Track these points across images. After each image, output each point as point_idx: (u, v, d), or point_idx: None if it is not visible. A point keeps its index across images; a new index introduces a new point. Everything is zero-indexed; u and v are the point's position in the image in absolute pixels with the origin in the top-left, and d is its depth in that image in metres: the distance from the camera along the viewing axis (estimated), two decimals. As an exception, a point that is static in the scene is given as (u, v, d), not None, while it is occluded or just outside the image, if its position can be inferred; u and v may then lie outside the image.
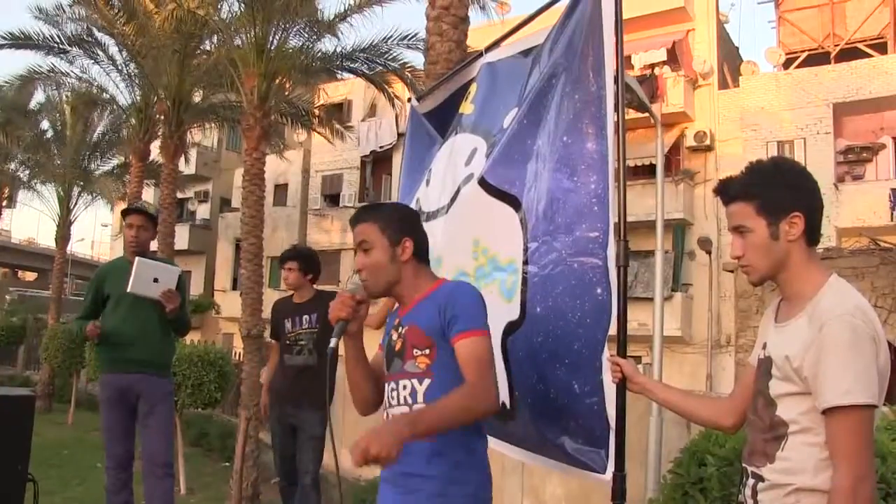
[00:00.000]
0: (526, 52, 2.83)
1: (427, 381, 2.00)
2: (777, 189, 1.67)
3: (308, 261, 4.54)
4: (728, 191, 1.74)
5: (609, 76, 2.28)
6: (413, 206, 3.21)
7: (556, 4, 2.65)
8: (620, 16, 2.28)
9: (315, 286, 4.60)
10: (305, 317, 4.42)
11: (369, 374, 2.17)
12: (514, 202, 2.54)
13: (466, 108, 3.08)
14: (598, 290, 2.23)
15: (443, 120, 3.32)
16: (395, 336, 2.10)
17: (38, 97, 16.59)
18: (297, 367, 4.38)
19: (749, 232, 1.69)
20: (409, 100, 3.77)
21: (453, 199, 2.86)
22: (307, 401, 4.30)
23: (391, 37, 10.41)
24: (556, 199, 2.37)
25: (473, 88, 3.09)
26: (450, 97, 3.40)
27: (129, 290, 3.82)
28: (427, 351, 2.00)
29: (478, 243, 2.70)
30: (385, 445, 1.66)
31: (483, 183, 2.64)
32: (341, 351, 2.13)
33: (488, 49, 3.10)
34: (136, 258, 3.91)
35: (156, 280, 3.86)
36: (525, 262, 2.46)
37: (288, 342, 4.44)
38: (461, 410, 1.87)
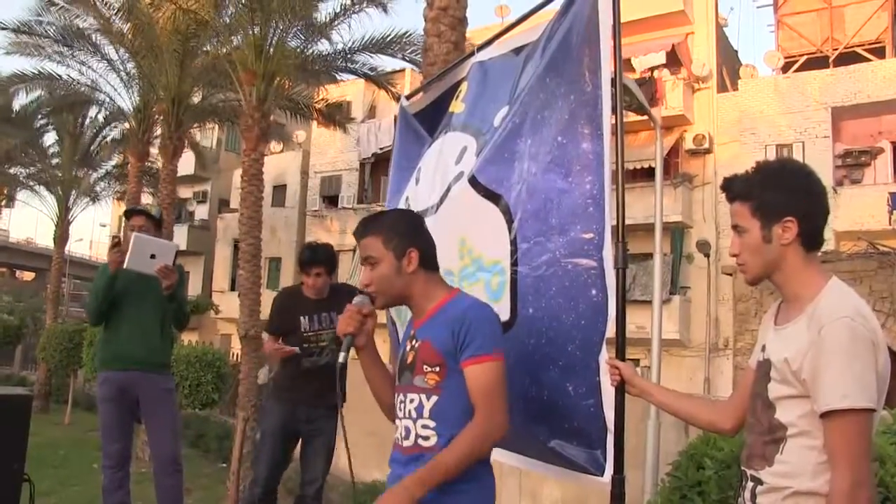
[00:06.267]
0: (517, 51, 2.80)
1: (435, 398, 1.99)
2: (773, 192, 1.66)
3: (332, 262, 4.18)
4: (731, 189, 1.75)
5: (606, 77, 2.26)
6: (402, 204, 3.17)
7: (549, 5, 2.63)
8: (618, 16, 2.27)
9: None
10: (325, 314, 4.09)
11: (390, 381, 2.18)
12: (502, 202, 2.51)
13: (457, 106, 3.06)
14: (594, 292, 2.21)
15: (433, 119, 3.29)
16: (408, 347, 2.10)
17: (32, 98, 16.50)
18: (320, 368, 4.03)
19: (745, 232, 1.70)
20: (398, 98, 3.75)
21: (443, 198, 2.82)
22: (326, 402, 4.02)
23: (389, 36, 10.43)
24: (549, 199, 2.34)
25: (464, 87, 3.06)
26: (440, 96, 3.37)
27: (125, 266, 3.79)
28: (437, 368, 1.99)
29: (464, 243, 2.67)
30: None
31: (473, 182, 2.61)
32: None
33: (480, 48, 3.08)
34: (133, 234, 3.87)
35: (153, 256, 3.80)
36: (514, 264, 2.43)
37: (308, 344, 4.07)
38: (470, 455, 1.91)
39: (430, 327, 2.04)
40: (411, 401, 2.03)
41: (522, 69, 2.68)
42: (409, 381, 2.04)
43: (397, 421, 2.09)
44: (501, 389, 1.96)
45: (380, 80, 11.64)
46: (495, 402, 1.93)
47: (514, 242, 2.44)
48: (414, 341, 2.07)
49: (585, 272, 2.23)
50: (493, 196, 2.53)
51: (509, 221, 2.46)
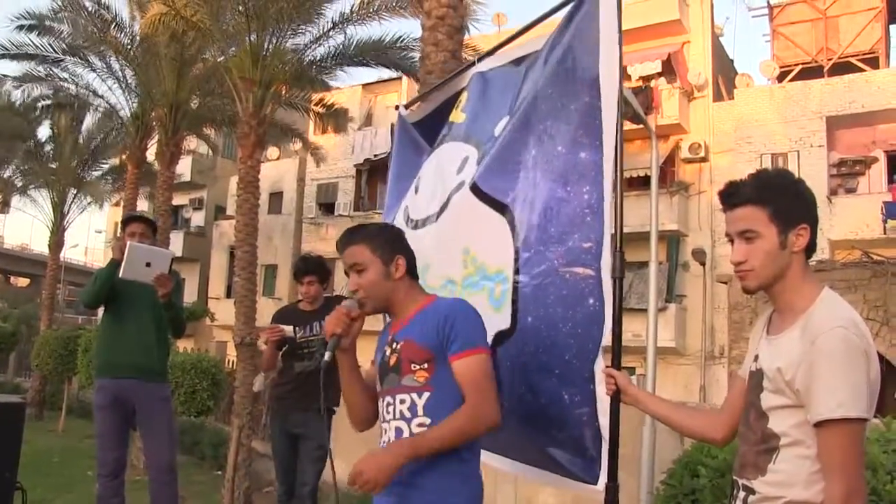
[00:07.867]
0: (518, 61, 2.82)
1: (426, 395, 2.02)
2: (790, 198, 1.67)
3: (323, 270, 4.51)
4: (739, 194, 1.70)
5: (605, 87, 2.27)
6: (401, 213, 3.19)
7: (551, 17, 2.65)
8: (621, 29, 2.27)
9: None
10: (316, 323, 4.37)
11: (365, 389, 2.22)
12: (506, 211, 2.53)
13: (457, 116, 3.07)
14: (591, 301, 2.22)
15: (432, 129, 3.30)
16: (388, 351, 2.13)
17: (30, 100, 16.47)
18: (306, 372, 4.33)
19: (758, 237, 1.66)
20: (397, 107, 3.76)
21: (443, 208, 2.83)
22: (315, 407, 4.20)
23: (386, 40, 10.49)
24: (549, 208, 2.35)
25: (464, 97, 3.07)
26: (439, 106, 3.39)
27: (120, 275, 3.79)
28: (425, 365, 2.02)
29: (468, 251, 2.67)
30: (372, 478, 1.86)
31: (475, 189, 2.62)
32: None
33: (481, 59, 3.10)
34: (128, 242, 3.85)
35: (148, 264, 3.79)
36: (516, 272, 2.45)
37: (298, 350, 4.37)
38: (461, 432, 1.95)
39: (411, 328, 2.08)
40: (401, 402, 2.05)
41: (524, 79, 2.69)
42: (397, 383, 2.06)
43: (385, 425, 2.11)
44: (490, 381, 2.00)
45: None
46: (485, 393, 1.97)
47: (517, 251, 2.45)
48: (395, 344, 2.11)
49: (583, 281, 2.25)
50: (496, 205, 2.55)
51: (513, 230, 2.48)
